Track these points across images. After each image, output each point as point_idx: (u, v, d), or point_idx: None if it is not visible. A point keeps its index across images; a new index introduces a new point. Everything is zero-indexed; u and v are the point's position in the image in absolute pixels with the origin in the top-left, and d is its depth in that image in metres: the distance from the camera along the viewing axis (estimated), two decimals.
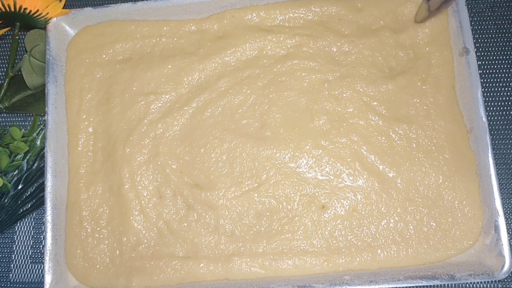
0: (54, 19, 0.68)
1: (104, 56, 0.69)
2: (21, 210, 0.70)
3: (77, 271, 0.63)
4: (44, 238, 0.62)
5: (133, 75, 0.67)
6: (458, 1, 0.63)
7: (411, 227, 0.61)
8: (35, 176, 0.69)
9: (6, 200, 0.68)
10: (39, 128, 0.71)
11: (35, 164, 0.69)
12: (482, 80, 0.70)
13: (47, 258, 0.62)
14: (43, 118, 0.72)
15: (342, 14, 0.67)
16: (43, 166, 0.65)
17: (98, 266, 0.63)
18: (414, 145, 0.63)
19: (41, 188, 0.69)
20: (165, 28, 0.68)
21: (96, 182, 0.65)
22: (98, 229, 0.64)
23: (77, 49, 0.69)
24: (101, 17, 0.69)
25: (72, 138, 0.67)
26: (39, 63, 0.70)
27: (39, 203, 0.70)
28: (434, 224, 0.61)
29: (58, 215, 0.64)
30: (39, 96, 0.71)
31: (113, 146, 0.66)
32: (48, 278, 0.61)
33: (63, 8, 0.67)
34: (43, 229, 0.71)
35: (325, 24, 0.67)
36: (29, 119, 0.74)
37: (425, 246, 0.60)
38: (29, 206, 0.70)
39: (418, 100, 0.64)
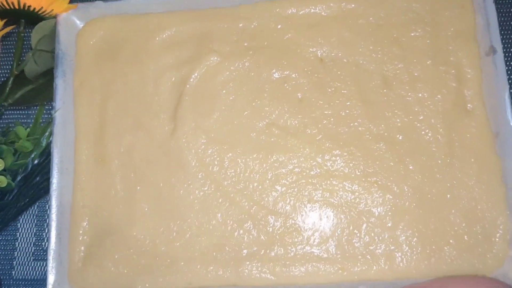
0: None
1: (113, 50, 0.67)
2: (23, 203, 0.68)
3: (80, 272, 0.62)
4: (48, 237, 0.61)
5: (142, 71, 0.66)
6: None
7: (433, 237, 0.58)
8: (36, 171, 0.68)
9: (10, 198, 0.67)
10: (42, 126, 0.69)
11: (40, 160, 0.68)
12: (509, 82, 0.67)
13: (50, 257, 0.61)
14: (46, 116, 0.71)
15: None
16: (48, 162, 0.64)
17: (101, 268, 0.62)
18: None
19: (45, 178, 0.67)
20: (176, 20, 0.66)
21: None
22: (102, 229, 0.63)
23: (86, 43, 0.68)
24: (112, 10, 0.67)
25: (79, 135, 0.65)
26: (44, 53, 0.68)
27: (41, 193, 0.68)
28: (457, 236, 0.58)
29: (63, 214, 0.63)
30: (41, 89, 0.69)
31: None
32: (51, 278, 0.60)
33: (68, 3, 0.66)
34: (45, 226, 0.71)
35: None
36: (32, 116, 0.74)
37: (448, 260, 0.57)
38: (31, 197, 0.69)
39: (440, 97, 0.61)
